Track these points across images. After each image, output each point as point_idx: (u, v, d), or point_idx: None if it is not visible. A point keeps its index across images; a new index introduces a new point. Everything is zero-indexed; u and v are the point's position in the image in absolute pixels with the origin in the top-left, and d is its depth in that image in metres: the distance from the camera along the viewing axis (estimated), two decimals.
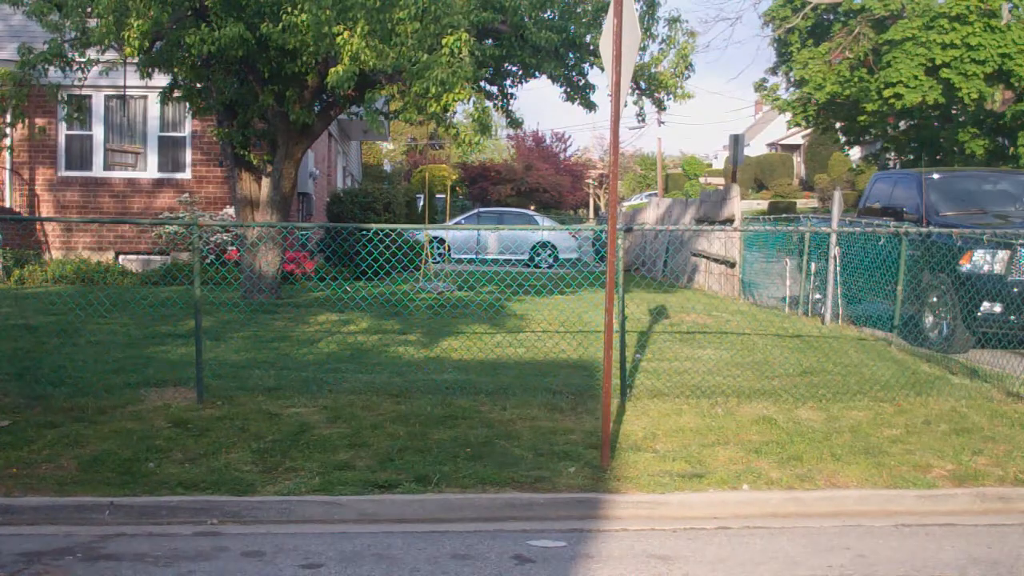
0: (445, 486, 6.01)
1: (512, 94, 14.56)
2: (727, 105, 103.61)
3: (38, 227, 18.05)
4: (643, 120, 15.21)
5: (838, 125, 28.36)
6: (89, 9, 11.50)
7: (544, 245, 25.42)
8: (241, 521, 5.68)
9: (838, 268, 12.51)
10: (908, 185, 12.97)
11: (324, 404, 7.67)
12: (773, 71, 28.27)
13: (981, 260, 10.83)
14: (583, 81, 13.76)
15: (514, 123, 15.28)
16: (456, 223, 27.68)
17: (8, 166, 18.05)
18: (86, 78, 12.87)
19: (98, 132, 18.31)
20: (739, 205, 17.18)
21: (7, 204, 18.16)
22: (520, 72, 13.89)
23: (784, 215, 21.96)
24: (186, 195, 18.19)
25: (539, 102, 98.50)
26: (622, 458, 6.59)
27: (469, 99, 11.20)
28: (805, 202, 41.93)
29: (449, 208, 32.40)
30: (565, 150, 50.20)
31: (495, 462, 6.43)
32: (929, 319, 11.38)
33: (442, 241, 24.44)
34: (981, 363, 9.78)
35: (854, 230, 12.58)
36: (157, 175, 18.49)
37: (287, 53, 11.99)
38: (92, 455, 6.40)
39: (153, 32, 11.27)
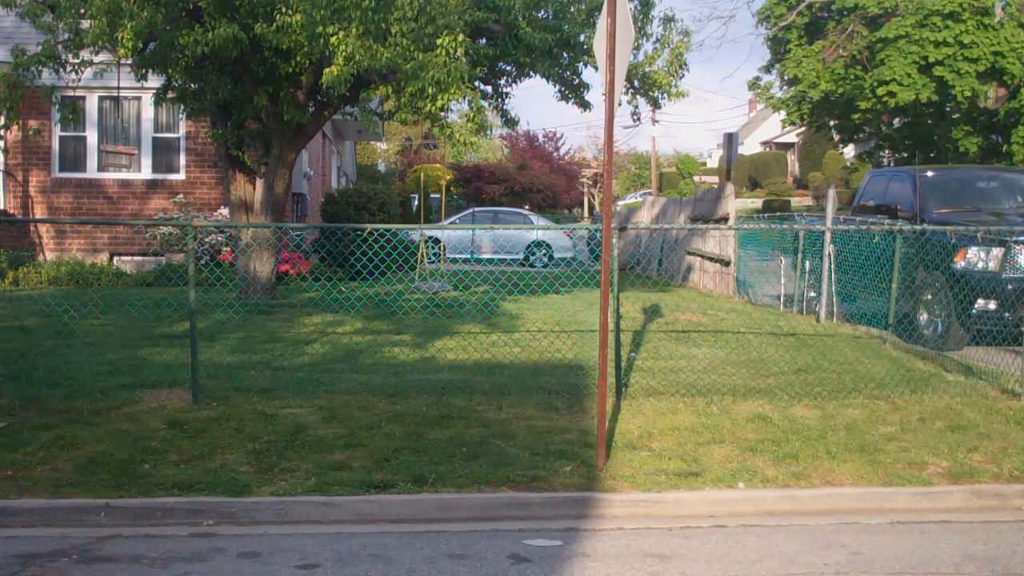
0: (441, 486, 6.01)
1: (507, 93, 14.55)
2: (721, 103, 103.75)
3: (32, 229, 18.02)
4: (638, 119, 15.15)
5: (832, 123, 28.41)
6: (82, 10, 11.47)
7: (539, 244, 25.42)
8: (237, 522, 5.68)
9: (833, 266, 12.53)
10: (902, 183, 12.99)
11: (319, 405, 7.66)
12: (767, 69, 28.30)
13: (975, 257, 10.85)
14: (577, 80, 13.75)
15: (510, 122, 15.26)
16: (451, 223, 27.68)
17: (2, 168, 18.02)
18: (79, 80, 12.85)
19: (92, 134, 18.28)
20: (733, 203, 17.19)
21: (1, 206, 18.13)
22: (514, 71, 13.88)
23: (778, 213, 21.99)
24: (180, 196, 18.16)
25: (535, 101, 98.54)
26: (618, 457, 6.59)
27: (464, 99, 11.20)
28: (799, 200, 42.01)
29: (444, 208, 32.37)
30: (557, 149, 50.20)
31: (491, 462, 6.43)
32: (924, 317, 11.40)
33: (437, 241, 24.44)
34: (976, 360, 9.80)
35: (848, 228, 12.61)
36: (151, 176, 18.47)
37: (281, 54, 11.97)
38: (87, 457, 6.39)
39: (147, 33, 11.24)
